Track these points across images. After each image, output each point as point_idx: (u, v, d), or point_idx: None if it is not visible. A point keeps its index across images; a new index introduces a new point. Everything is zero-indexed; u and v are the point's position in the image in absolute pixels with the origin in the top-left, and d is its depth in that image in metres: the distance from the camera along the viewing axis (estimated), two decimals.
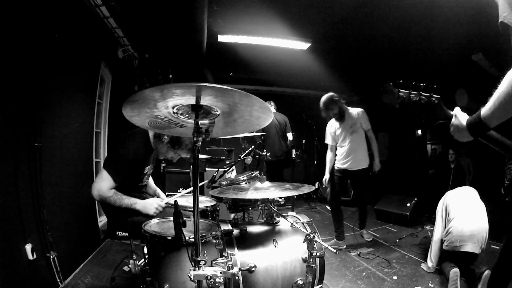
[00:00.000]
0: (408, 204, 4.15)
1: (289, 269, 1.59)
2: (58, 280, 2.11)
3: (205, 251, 1.15)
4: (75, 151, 2.66)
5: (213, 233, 1.45)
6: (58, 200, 2.30)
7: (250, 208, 2.17)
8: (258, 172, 2.38)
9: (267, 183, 1.77)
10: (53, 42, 2.15)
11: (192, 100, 1.07)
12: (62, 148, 2.41)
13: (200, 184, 2.11)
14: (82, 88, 2.85)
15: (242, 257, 1.52)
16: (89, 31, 2.81)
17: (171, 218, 1.22)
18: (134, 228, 1.73)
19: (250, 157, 3.09)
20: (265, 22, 3.60)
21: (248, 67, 5.29)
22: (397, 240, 3.50)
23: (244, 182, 2.14)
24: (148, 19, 3.43)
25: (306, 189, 1.67)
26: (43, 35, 2.05)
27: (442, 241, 2.54)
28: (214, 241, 1.43)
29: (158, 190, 2.23)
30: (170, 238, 1.35)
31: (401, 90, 1.03)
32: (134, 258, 1.73)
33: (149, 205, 1.81)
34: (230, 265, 1.20)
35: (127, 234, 1.86)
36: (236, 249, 1.53)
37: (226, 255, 1.31)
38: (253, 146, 3.21)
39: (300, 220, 1.81)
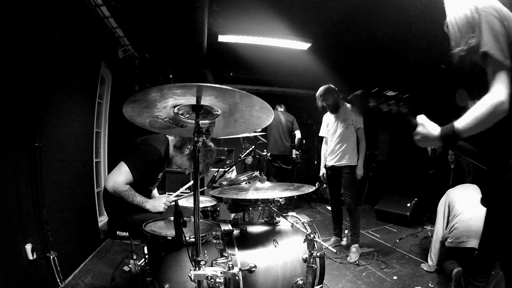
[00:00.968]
0: (408, 204, 4.15)
1: (289, 269, 1.59)
2: (58, 280, 2.11)
3: (206, 251, 1.15)
4: (75, 151, 2.66)
5: (214, 233, 1.45)
6: (58, 200, 2.30)
7: (251, 208, 2.17)
8: (258, 172, 2.38)
9: (267, 183, 1.77)
10: (53, 42, 2.15)
11: (192, 100, 1.07)
12: (62, 148, 2.41)
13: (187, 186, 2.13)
14: (82, 88, 2.85)
15: (243, 257, 1.52)
16: (89, 31, 2.81)
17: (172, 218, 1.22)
18: (134, 228, 1.73)
19: (250, 157, 3.09)
20: (266, 22, 3.60)
21: (248, 67, 5.29)
22: (397, 240, 3.49)
23: (244, 182, 2.14)
24: (148, 19, 3.43)
25: (306, 189, 1.67)
26: (44, 35, 2.04)
27: (443, 240, 2.53)
28: (215, 241, 1.44)
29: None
30: (170, 238, 1.35)
31: (370, 100, 1.06)
32: (134, 258, 1.72)
33: (158, 203, 1.85)
34: (230, 265, 1.20)
35: (127, 234, 1.87)
36: (236, 249, 1.53)
37: (226, 255, 1.31)
38: (253, 146, 3.21)
39: (301, 220, 1.81)
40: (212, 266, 1.21)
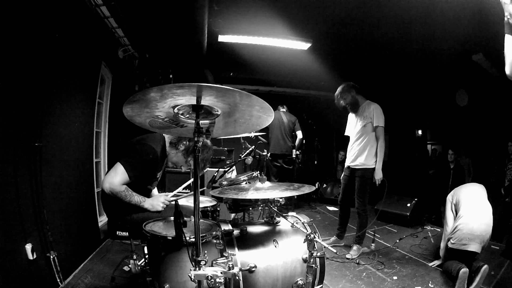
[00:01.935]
0: (408, 205, 4.15)
1: (289, 269, 1.59)
2: (58, 280, 2.11)
3: (206, 251, 1.15)
4: (75, 151, 2.66)
5: (214, 233, 1.45)
6: (58, 200, 2.30)
7: (251, 208, 2.17)
8: (258, 172, 2.38)
9: (267, 183, 1.77)
10: (53, 42, 2.15)
11: (193, 100, 1.07)
12: (62, 148, 2.41)
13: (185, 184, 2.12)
14: (82, 88, 2.85)
15: (243, 257, 1.52)
16: (90, 31, 2.81)
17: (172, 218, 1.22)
18: (134, 228, 1.73)
19: (250, 157, 3.09)
20: (266, 22, 3.60)
21: (248, 67, 5.29)
22: (397, 240, 3.50)
23: (244, 182, 2.14)
24: (148, 19, 3.43)
25: (306, 189, 1.67)
26: (44, 35, 2.04)
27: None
28: (215, 241, 1.43)
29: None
30: (170, 238, 1.35)
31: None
32: (134, 258, 1.73)
33: (156, 202, 1.84)
34: (230, 265, 1.20)
35: (127, 234, 1.87)
36: (236, 249, 1.53)
37: (226, 255, 1.31)
38: (253, 146, 3.21)
39: (301, 220, 1.81)
40: (212, 266, 1.21)
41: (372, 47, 4.43)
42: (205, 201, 2.14)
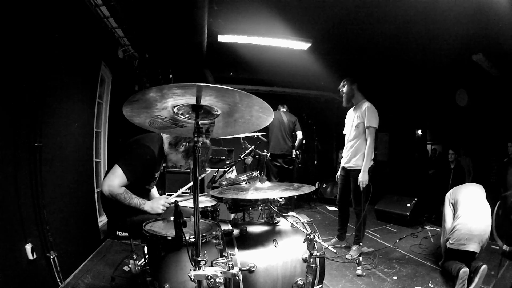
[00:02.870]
0: (408, 204, 4.15)
1: (289, 269, 1.59)
2: (58, 280, 2.11)
3: (206, 251, 1.15)
4: (75, 151, 2.66)
5: (214, 233, 1.45)
6: (58, 200, 2.30)
7: (251, 208, 2.17)
8: (258, 172, 2.38)
9: (267, 183, 1.77)
10: (53, 42, 2.15)
11: (192, 100, 1.07)
12: (62, 148, 2.41)
13: (186, 187, 2.12)
14: (82, 88, 2.85)
15: (243, 257, 1.52)
16: (89, 31, 2.81)
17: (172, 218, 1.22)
18: (134, 228, 1.73)
19: (250, 157, 3.09)
20: (265, 22, 3.60)
21: (248, 67, 5.29)
22: (397, 240, 3.50)
23: (244, 182, 2.14)
24: (148, 19, 3.43)
25: (306, 189, 1.67)
26: (44, 35, 2.04)
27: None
28: (215, 241, 1.43)
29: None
30: (170, 238, 1.35)
31: None
32: (134, 258, 1.73)
33: (156, 204, 1.84)
34: (230, 265, 1.20)
35: (127, 234, 1.86)
36: (236, 249, 1.53)
37: (226, 255, 1.31)
38: (253, 146, 3.21)
39: (300, 220, 1.81)
40: (212, 266, 1.21)
41: (372, 47, 4.43)
42: (205, 201, 2.14)
